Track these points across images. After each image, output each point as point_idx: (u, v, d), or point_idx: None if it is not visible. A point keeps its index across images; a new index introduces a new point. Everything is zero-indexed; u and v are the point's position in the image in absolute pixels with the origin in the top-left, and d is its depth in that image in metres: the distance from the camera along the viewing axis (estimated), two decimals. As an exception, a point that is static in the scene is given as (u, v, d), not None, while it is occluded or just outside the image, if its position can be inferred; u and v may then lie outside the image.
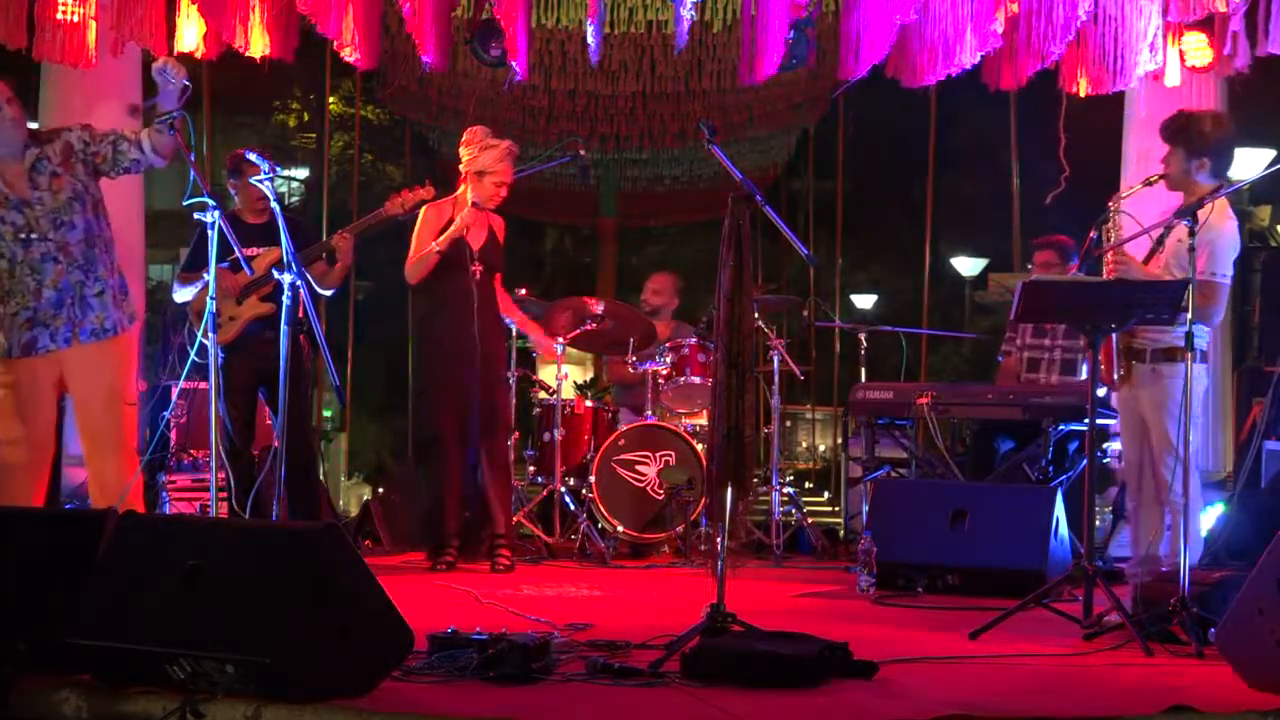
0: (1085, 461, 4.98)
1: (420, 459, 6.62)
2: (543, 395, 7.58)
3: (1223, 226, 5.12)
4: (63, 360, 5.12)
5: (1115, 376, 5.13)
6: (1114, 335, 5.07)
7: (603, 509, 7.09)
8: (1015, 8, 7.08)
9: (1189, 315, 4.54)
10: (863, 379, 7.62)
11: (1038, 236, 7.39)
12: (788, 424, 13.91)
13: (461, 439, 6.36)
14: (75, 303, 5.09)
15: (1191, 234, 4.58)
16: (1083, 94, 7.82)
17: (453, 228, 6.37)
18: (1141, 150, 7.76)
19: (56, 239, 5.04)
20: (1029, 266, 7.16)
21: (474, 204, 6.38)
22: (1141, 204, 5.45)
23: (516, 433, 7.16)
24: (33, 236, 5.03)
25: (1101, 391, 5.36)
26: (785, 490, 7.44)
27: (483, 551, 6.39)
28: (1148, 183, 5.20)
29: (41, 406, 5.16)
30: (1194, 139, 5.11)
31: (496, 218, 6.60)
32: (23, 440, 5.10)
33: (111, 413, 5.19)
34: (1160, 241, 5.17)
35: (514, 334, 7.03)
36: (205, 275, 5.86)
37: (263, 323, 6.30)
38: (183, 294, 6.43)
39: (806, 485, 12.47)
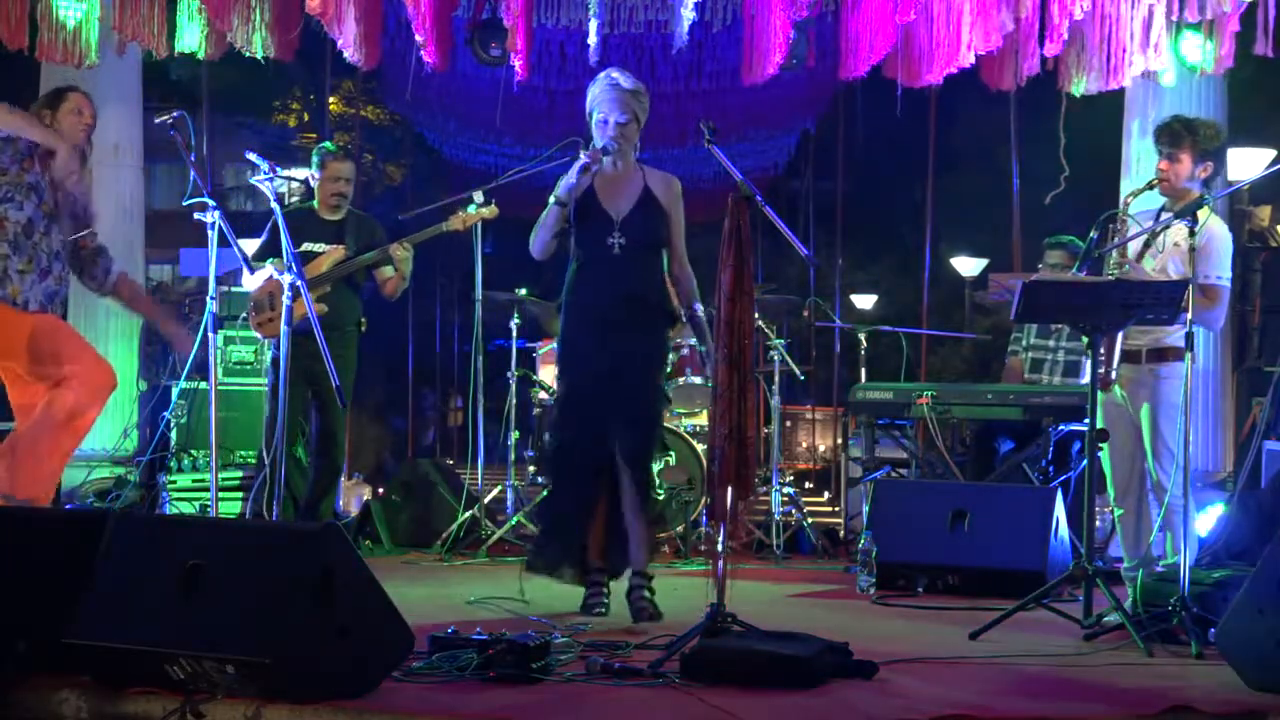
0: (1085, 461, 4.98)
1: (551, 470, 5.47)
2: (543, 395, 7.57)
3: (1214, 229, 5.13)
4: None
5: (1112, 377, 5.11)
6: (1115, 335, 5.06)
7: (603, 509, 7.05)
8: (1025, 10, 7.07)
9: (1189, 315, 4.54)
10: (863, 379, 7.62)
11: (1049, 236, 7.30)
12: (788, 424, 13.89)
13: (595, 448, 5.05)
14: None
15: (1192, 234, 4.60)
16: (1081, 94, 7.82)
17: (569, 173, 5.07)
18: (1142, 151, 7.76)
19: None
20: (1039, 266, 7.11)
21: (603, 147, 5.02)
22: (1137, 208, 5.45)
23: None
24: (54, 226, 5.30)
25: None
26: (785, 490, 7.44)
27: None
28: (1150, 186, 5.19)
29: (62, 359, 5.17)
30: (1201, 141, 5.11)
31: (659, 177, 5.16)
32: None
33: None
34: (1149, 243, 5.17)
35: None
36: (271, 266, 5.90)
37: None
38: (249, 281, 6.22)
39: (806, 485, 12.44)
